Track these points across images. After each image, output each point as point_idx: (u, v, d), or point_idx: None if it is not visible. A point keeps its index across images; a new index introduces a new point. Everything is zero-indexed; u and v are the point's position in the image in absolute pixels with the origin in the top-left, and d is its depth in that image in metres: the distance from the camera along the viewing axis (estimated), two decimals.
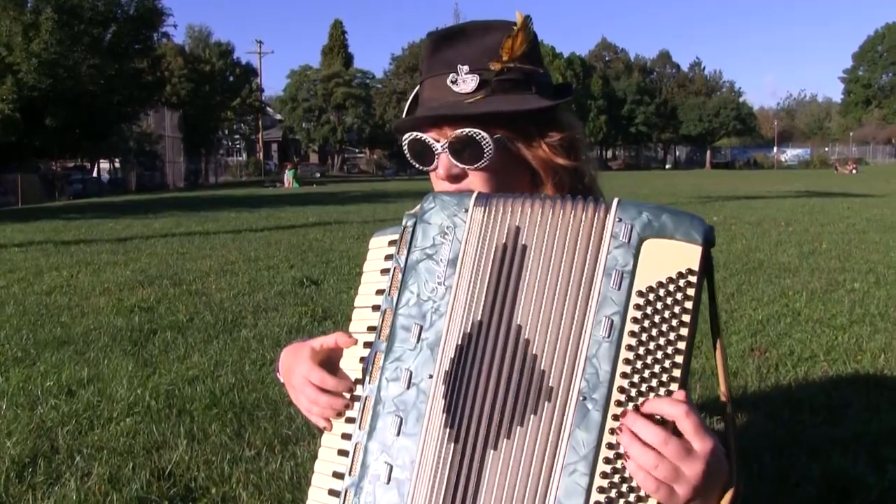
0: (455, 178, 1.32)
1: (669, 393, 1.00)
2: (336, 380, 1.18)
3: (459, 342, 1.07)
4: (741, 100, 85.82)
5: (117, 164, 39.69)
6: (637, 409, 1.01)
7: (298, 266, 8.73)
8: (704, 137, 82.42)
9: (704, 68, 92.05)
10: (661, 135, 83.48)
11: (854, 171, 50.76)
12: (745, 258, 8.88)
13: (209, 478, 3.01)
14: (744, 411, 3.68)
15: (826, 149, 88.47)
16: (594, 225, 1.05)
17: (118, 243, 11.33)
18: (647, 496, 1.00)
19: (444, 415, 1.06)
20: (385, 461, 1.07)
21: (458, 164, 1.30)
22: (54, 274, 8.36)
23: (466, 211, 1.11)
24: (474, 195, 1.13)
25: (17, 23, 29.05)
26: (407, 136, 1.34)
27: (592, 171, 1.41)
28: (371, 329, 1.17)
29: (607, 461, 1.00)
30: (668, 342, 1.00)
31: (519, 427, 1.04)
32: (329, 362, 1.23)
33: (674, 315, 1.01)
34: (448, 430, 1.05)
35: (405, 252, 1.14)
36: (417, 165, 1.38)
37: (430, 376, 1.07)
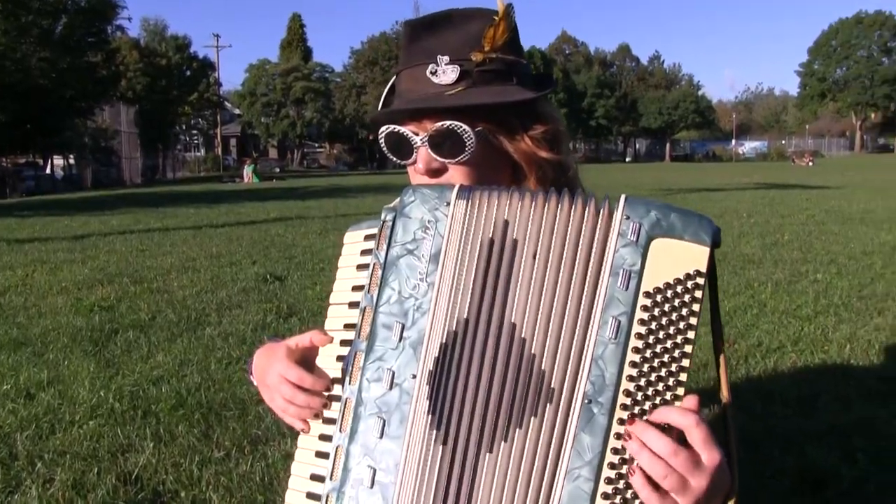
0: (434, 172, 1.28)
1: (676, 397, 0.98)
2: (314, 378, 1.14)
3: (444, 341, 1.03)
4: (700, 93, 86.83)
5: (72, 161, 38.86)
6: (645, 415, 0.97)
7: (261, 262, 8.61)
8: (664, 130, 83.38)
9: (664, 62, 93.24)
10: (622, 128, 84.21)
11: (810, 164, 51.71)
12: None
13: (178, 481, 2.93)
14: (715, 403, 3.68)
15: (783, 141, 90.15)
16: (598, 221, 1.01)
17: (75, 241, 11.07)
18: None
19: (430, 416, 1.02)
20: (368, 465, 1.04)
21: (438, 157, 1.26)
22: (8, 273, 8.13)
23: (448, 204, 1.07)
24: (456, 188, 1.08)
25: None
26: (384, 128, 1.29)
27: (575, 165, 1.38)
28: (348, 326, 1.12)
29: (612, 467, 0.97)
30: (675, 345, 0.98)
31: (517, 429, 1.00)
32: (305, 362, 1.18)
33: (681, 317, 0.98)
34: (435, 432, 1.01)
35: (385, 247, 1.10)
36: (394, 159, 1.33)
37: (414, 376, 1.03)
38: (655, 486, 0.96)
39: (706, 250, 0.98)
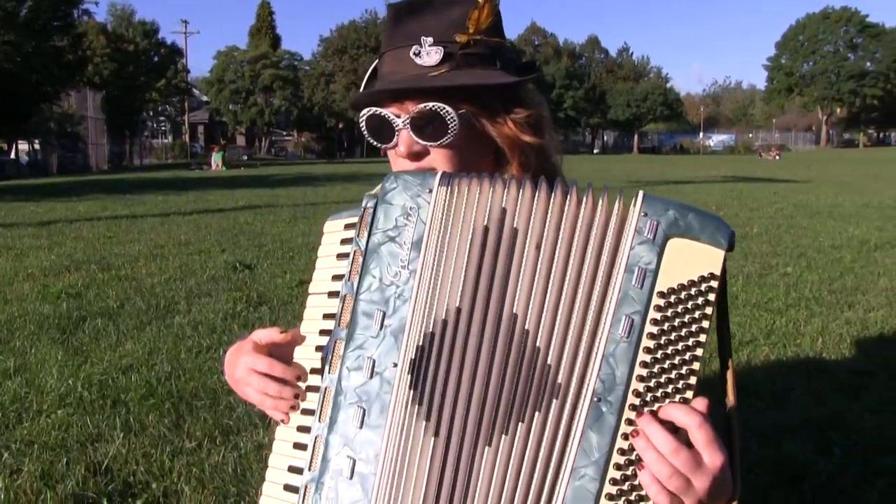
0: (416, 155, 1.25)
1: (685, 400, 0.96)
2: (284, 366, 1.11)
3: (430, 329, 1.00)
4: (668, 86, 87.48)
5: (37, 146, 38.21)
6: (652, 413, 0.96)
7: (230, 250, 8.52)
8: (632, 122, 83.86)
9: (632, 54, 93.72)
10: (590, 119, 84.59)
11: (777, 158, 52.31)
12: None
13: (149, 472, 2.88)
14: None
15: (750, 135, 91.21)
16: (613, 216, 0.98)
17: (41, 227, 10.87)
18: None
19: (417, 406, 0.99)
20: (347, 455, 1.01)
21: (420, 140, 1.24)
22: None
23: (430, 191, 1.04)
24: (439, 174, 1.05)
25: None
26: (365, 111, 1.27)
27: (558, 151, 1.36)
28: (327, 316, 1.10)
29: (618, 468, 0.95)
30: (687, 347, 0.96)
31: (520, 423, 0.97)
32: (284, 356, 1.14)
33: (693, 320, 0.96)
34: (425, 423, 0.99)
35: (366, 234, 1.06)
36: (375, 143, 1.31)
37: (395, 365, 1.00)
38: (661, 485, 0.94)
39: (721, 253, 0.97)
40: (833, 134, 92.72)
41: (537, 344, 0.98)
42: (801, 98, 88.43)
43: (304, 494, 1.04)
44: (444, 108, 1.20)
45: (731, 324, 4.67)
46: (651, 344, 0.96)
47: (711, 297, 0.97)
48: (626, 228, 0.98)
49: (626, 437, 0.95)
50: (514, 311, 0.98)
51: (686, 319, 0.96)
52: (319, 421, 1.04)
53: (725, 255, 0.96)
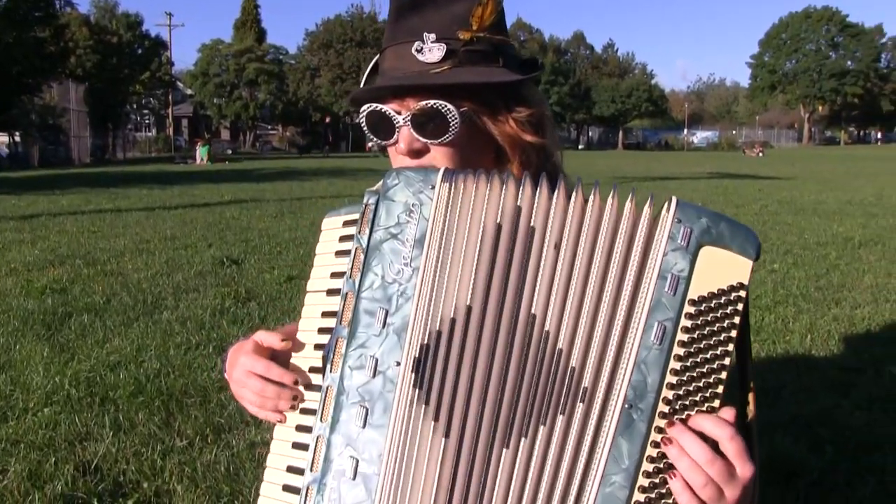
0: (416, 153, 1.24)
1: (712, 409, 0.95)
2: (282, 369, 1.09)
3: (438, 327, 0.98)
4: (653, 82, 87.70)
5: (18, 138, 37.80)
6: (683, 422, 0.95)
7: (217, 245, 8.46)
8: (617, 119, 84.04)
9: (618, 50, 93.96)
10: (575, 115, 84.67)
11: (761, 154, 52.63)
12: None
13: (139, 471, 2.84)
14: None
15: (734, 132, 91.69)
16: (642, 220, 0.97)
17: (23, 221, 10.75)
18: None
19: (423, 405, 0.97)
20: (350, 455, 0.99)
21: (421, 138, 1.23)
22: None
23: (433, 187, 1.02)
24: (441, 171, 1.04)
25: None
26: (365, 107, 1.25)
27: (559, 151, 1.36)
28: (326, 314, 1.08)
29: (647, 475, 0.94)
30: (715, 356, 0.96)
31: (541, 426, 0.96)
32: (283, 357, 1.13)
33: (722, 329, 0.96)
34: (433, 423, 0.97)
35: (367, 231, 1.05)
36: (375, 139, 1.29)
37: (398, 364, 0.99)
38: (693, 493, 0.94)
39: (750, 263, 0.97)
40: (815, 131, 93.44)
41: (559, 346, 0.96)
42: (784, 96, 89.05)
43: (306, 495, 1.02)
44: (446, 106, 1.19)
45: None
46: (681, 352, 0.95)
47: (740, 306, 0.97)
48: (659, 234, 0.97)
49: (655, 444, 0.94)
50: (533, 311, 0.97)
51: (715, 328, 0.96)
52: (321, 421, 1.03)
53: (753, 266, 0.96)
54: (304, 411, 1.08)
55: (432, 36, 1.21)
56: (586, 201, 0.98)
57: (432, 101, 1.19)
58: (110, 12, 56.76)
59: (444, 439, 0.97)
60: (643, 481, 0.94)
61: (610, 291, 0.96)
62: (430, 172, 1.05)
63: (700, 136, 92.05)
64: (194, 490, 2.70)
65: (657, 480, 0.95)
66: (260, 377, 1.10)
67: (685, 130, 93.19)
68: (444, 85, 1.19)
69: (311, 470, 1.03)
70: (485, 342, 0.97)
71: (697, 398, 0.95)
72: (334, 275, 1.09)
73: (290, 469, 1.06)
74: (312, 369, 1.09)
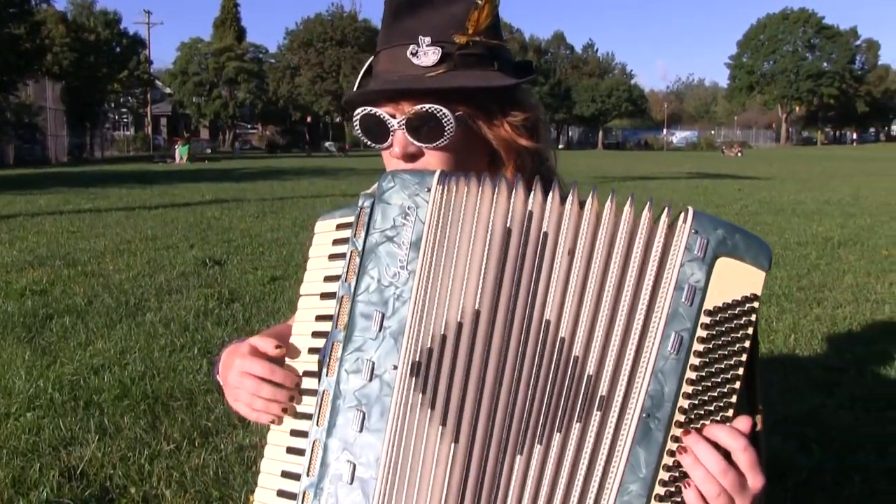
0: (411, 157, 1.24)
1: (726, 419, 0.96)
2: (277, 369, 1.08)
3: (443, 332, 0.98)
4: (633, 82, 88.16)
5: None
6: (698, 431, 0.96)
7: (199, 245, 8.40)
8: (597, 118, 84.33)
9: (597, 50, 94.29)
10: (555, 115, 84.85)
11: (739, 154, 53.05)
12: None
13: (126, 476, 2.81)
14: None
15: (713, 132, 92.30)
16: (660, 230, 0.97)
17: (0, 221, 10.63)
18: None
19: (429, 410, 0.97)
20: (347, 459, 0.99)
21: (416, 142, 1.23)
22: None
23: (429, 190, 1.02)
24: (437, 173, 1.03)
25: None
26: (360, 110, 1.25)
27: (554, 154, 1.36)
28: (320, 318, 1.07)
29: (663, 484, 0.95)
30: (729, 366, 0.96)
31: (557, 433, 0.96)
32: (275, 362, 1.12)
33: (736, 339, 0.96)
34: (441, 428, 0.97)
35: (363, 234, 1.04)
36: (369, 142, 1.29)
37: (395, 367, 0.99)
38: (708, 503, 0.95)
39: (763, 275, 0.98)
40: (792, 132, 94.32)
41: (575, 353, 0.96)
42: (762, 96, 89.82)
43: (303, 500, 1.02)
44: (441, 110, 1.19)
45: None
46: (697, 362, 0.96)
47: (753, 317, 0.97)
48: (676, 244, 0.97)
49: (671, 453, 0.95)
50: (547, 317, 0.96)
51: (730, 338, 0.96)
52: (318, 425, 1.02)
53: (766, 277, 0.97)
54: (299, 415, 1.08)
55: (427, 39, 1.21)
56: (602, 208, 0.98)
57: (427, 106, 1.19)
58: (88, 9, 56.17)
59: (452, 444, 0.97)
60: (659, 490, 0.95)
61: (627, 300, 0.96)
62: (426, 175, 1.04)
63: (679, 136, 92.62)
64: (183, 495, 2.68)
65: (673, 489, 0.95)
66: (256, 378, 1.09)
67: (664, 130, 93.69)
68: (439, 89, 1.19)
69: (308, 474, 1.02)
70: (495, 346, 0.97)
71: (712, 408, 0.96)
72: (328, 278, 1.09)
73: (285, 474, 1.06)
74: (307, 373, 1.08)
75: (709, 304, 0.96)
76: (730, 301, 0.96)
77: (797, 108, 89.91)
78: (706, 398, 0.96)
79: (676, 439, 0.95)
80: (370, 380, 0.99)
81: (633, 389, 0.95)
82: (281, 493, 1.05)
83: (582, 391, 0.96)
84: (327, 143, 57.34)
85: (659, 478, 0.95)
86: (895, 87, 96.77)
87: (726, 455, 0.95)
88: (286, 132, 66.81)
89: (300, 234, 9.12)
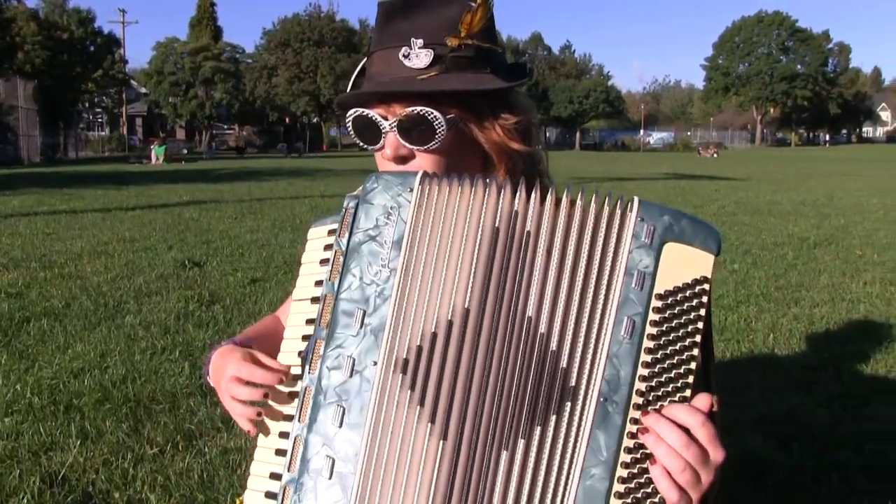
0: (402, 159, 1.25)
1: (684, 399, 0.99)
2: (265, 371, 1.09)
3: (433, 329, 0.99)
4: (610, 83, 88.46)
5: None
6: (658, 411, 0.98)
7: (178, 247, 8.33)
8: (574, 119, 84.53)
9: (575, 52, 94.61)
10: None
11: (715, 155, 53.42)
12: None
13: (109, 480, 2.78)
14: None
15: (689, 133, 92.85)
16: (613, 220, 1.00)
17: None
18: (662, 503, 0.97)
19: (417, 407, 0.98)
20: (327, 454, 1.01)
21: (407, 144, 1.24)
22: None
23: (411, 190, 1.05)
24: (419, 174, 1.06)
25: None
26: (352, 112, 1.26)
27: (545, 157, 1.37)
28: (310, 322, 1.09)
29: (625, 466, 0.97)
30: (684, 347, 0.99)
31: (538, 427, 0.98)
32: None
33: (689, 321, 0.99)
34: (429, 425, 0.98)
35: (347, 234, 1.07)
36: (361, 144, 1.30)
37: (375, 363, 1.01)
38: (672, 479, 0.96)
39: (712, 258, 1.01)
40: (767, 133, 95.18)
41: (553, 347, 0.98)
42: (738, 98, 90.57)
43: (283, 496, 1.03)
44: (432, 113, 1.20)
45: None
46: (651, 344, 0.99)
47: (704, 299, 1.01)
48: (625, 232, 1.00)
49: (632, 435, 0.97)
50: (529, 314, 0.99)
51: (682, 320, 1.00)
52: (299, 421, 1.04)
53: (715, 260, 1.00)
54: (287, 418, 1.08)
55: (420, 41, 1.21)
56: (558, 203, 1.01)
57: (419, 108, 1.20)
58: (60, 7, 55.46)
59: (441, 441, 0.98)
60: (622, 472, 0.97)
61: (589, 291, 0.99)
62: (409, 176, 1.07)
63: (656, 137, 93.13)
64: (168, 499, 2.66)
65: (636, 470, 0.97)
66: (245, 383, 1.10)
67: (641, 131, 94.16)
68: (430, 92, 1.20)
69: (289, 470, 1.04)
70: (483, 343, 0.99)
71: (669, 388, 0.99)
72: (319, 283, 1.10)
73: (273, 476, 1.06)
74: (295, 377, 1.09)
75: (659, 289, 0.99)
76: (680, 284, 1.00)
77: (772, 110, 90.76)
78: (663, 380, 0.99)
79: (636, 421, 0.97)
80: (350, 376, 1.01)
81: (593, 376, 0.98)
82: (269, 495, 1.06)
83: (557, 383, 0.98)
84: (279, 145, 57.12)
85: (621, 460, 0.97)
86: (866, 89, 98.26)
87: (686, 433, 0.97)
88: (263, 132, 66.44)
89: (280, 236, 9.08)
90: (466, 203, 1.02)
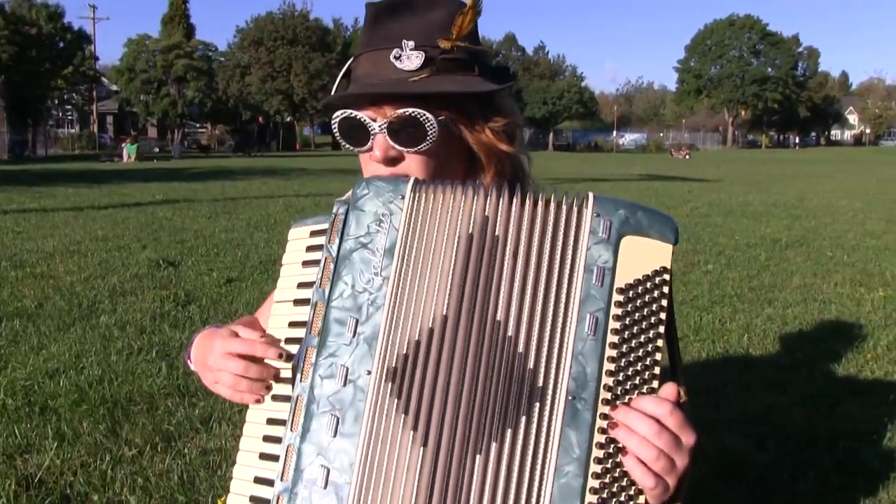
0: (391, 161, 1.25)
1: (652, 390, 1.00)
2: (263, 344, 1.09)
3: (417, 338, 1.00)
4: (583, 84, 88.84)
5: None
6: (626, 405, 0.99)
7: (152, 246, 8.25)
8: (548, 120, 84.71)
9: (548, 53, 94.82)
10: None
11: (687, 157, 53.83)
12: None
13: (88, 482, 2.75)
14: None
15: (661, 134, 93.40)
16: (570, 218, 1.02)
17: None
18: (638, 493, 0.99)
19: (403, 416, 0.99)
20: (321, 464, 1.00)
21: (397, 146, 1.24)
22: None
23: (403, 197, 1.05)
24: (411, 181, 1.06)
25: None
26: (339, 113, 1.26)
27: (529, 159, 1.39)
28: (294, 324, 1.09)
29: (598, 461, 0.98)
30: (648, 339, 1.00)
31: (508, 429, 0.98)
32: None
33: (652, 312, 1.01)
34: (412, 433, 0.98)
35: (337, 241, 1.06)
36: (348, 146, 1.30)
37: (369, 372, 1.00)
38: (647, 468, 0.98)
39: (670, 247, 1.02)
40: (738, 135, 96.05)
41: (520, 349, 0.99)
42: (709, 100, 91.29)
43: None
44: (424, 115, 1.20)
45: None
46: (615, 339, 0.99)
47: (665, 289, 1.02)
48: (582, 229, 1.01)
49: (602, 431, 0.98)
50: (498, 318, 1.00)
51: (645, 313, 1.01)
52: (291, 430, 1.03)
53: (673, 249, 1.01)
54: (272, 421, 1.08)
55: (411, 43, 1.22)
56: (536, 208, 1.02)
57: (411, 110, 1.20)
58: (28, 2, 54.69)
59: (421, 448, 0.98)
60: (595, 468, 0.98)
61: (552, 290, 1.01)
62: (400, 182, 1.06)
63: (629, 138, 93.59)
64: (148, 501, 2.64)
65: (609, 465, 0.98)
66: (240, 358, 1.10)
67: (614, 132, 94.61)
68: (424, 94, 1.20)
69: (282, 479, 1.03)
70: (459, 352, 1.00)
71: (637, 381, 1.00)
72: (301, 285, 1.10)
73: (258, 480, 1.06)
74: (279, 379, 1.09)
75: (620, 283, 1.00)
76: (640, 277, 1.01)
77: (743, 112, 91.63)
78: (629, 373, 0.99)
79: (605, 417, 0.98)
80: (344, 385, 1.01)
81: (560, 375, 0.99)
82: (254, 499, 1.06)
83: (525, 386, 0.99)
84: (227, 143, 56.69)
85: (594, 455, 0.98)
86: (834, 93, 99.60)
87: (657, 422, 0.98)
88: (235, 132, 65.88)
89: (255, 235, 9.02)
90: (457, 210, 1.03)
